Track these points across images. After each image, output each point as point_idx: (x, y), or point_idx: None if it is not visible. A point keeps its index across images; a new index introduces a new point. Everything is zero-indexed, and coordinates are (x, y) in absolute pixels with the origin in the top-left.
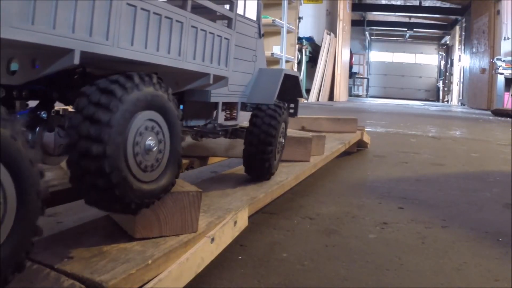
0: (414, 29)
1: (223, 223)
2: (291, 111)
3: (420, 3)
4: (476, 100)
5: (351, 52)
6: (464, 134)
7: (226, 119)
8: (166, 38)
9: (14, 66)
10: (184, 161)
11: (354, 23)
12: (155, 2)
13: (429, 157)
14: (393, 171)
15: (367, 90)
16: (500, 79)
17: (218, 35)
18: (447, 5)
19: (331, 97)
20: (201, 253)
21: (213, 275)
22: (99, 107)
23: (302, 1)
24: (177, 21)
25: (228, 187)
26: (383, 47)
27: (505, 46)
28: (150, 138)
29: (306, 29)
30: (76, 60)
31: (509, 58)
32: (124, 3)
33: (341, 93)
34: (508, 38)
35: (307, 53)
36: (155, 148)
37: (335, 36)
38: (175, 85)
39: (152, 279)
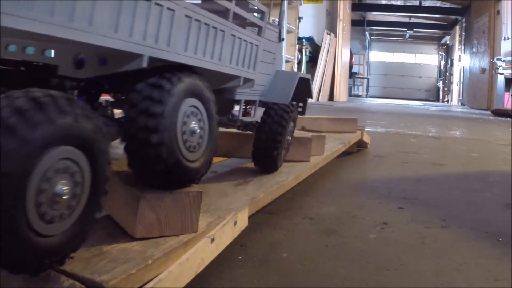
0: (414, 29)
1: (223, 223)
2: (299, 109)
3: (420, 3)
4: (476, 100)
5: (351, 52)
6: (464, 134)
7: (243, 114)
8: (211, 44)
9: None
10: None
11: (354, 23)
12: (206, 13)
13: (429, 157)
14: (393, 171)
15: (367, 90)
16: (500, 79)
17: (250, 42)
18: (447, 5)
19: (331, 97)
20: (201, 253)
21: (213, 275)
22: (152, 101)
23: (302, 1)
24: (221, 30)
25: (228, 187)
26: (383, 47)
27: (505, 46)
28: (193, 122)
29: (306, 29)
30: (145, 64)
31: (509, 58)
32: (183, 14)
33: (341, 93)
34: (508, 38)
35: (307, 53)
36: (198, 130)
37: (335, 36)
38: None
39: (152, 279)
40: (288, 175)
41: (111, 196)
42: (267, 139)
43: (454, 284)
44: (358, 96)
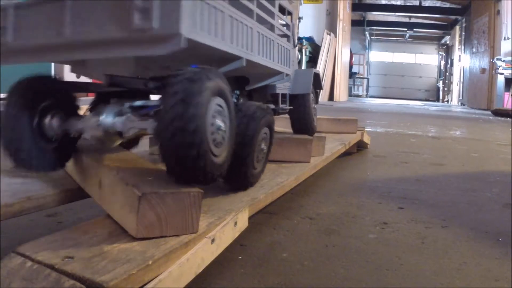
0: (414, 29)
1: (224, 224)
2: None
3: (420, 3)
4: (476, 100)
5: (351, 52)
6: (464, 134)
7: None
8: (268, 50)
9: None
10: None
11: (354, 23)
12: (267, 31)
13: (429, 157)
14: (393, 171)
15: (367, 90)
16: (500, 79)
17: (285, 47)
18: (447, 5)
19: (331, 97)
20: (202, 253)
21: (213, 275)
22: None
23: (302, 1)
24: (272, 40)
25: (228, 188)
26: (383, 47)
27: (505, 46)
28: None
29: (306, 29)
30: (244, 63)
31: (509, 58)
32: (260, 34)
33: (341, 93)
34: (508, 38)
35: (307, 53)
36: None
37: (335, 36)
38: (260, 79)
39: (153, 279)
40: (289, 176)
41: (111, 196)
42: (300, 118)
43: (454, 284)
44: (358, 96)
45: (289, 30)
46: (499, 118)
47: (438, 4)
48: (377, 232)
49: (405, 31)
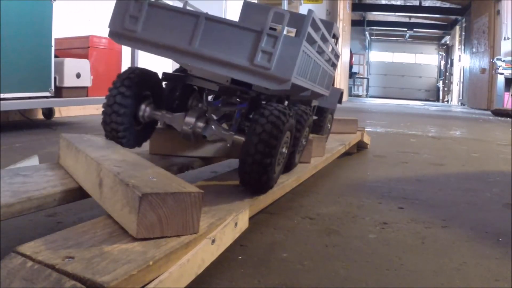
0: (414, 29)
1: (224, 225)
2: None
3: (420, 3)
4: (476, 100)
5: (351, 52)
6: (464, 134)
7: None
8: (324, 79)
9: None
10: (184, 161)
11: (354, 23)
12: (327, 66)
13: (429, 157)
14: (393, 171)
15: (367, 90)
16: (500, 79)
17: (331, 74)
18: (447, 5)
19: None
20: (202, 254)
21: (213, 275)
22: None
23: (302, 1)
24: (323, 69)
25: (229, 188)
26: (383, 47)
27: (505, 46)
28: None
29: None
30: (310, 93)
31: (509, 58)
32: (321, 66)
33: None
34: (508, 38)
35: None
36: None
37: None
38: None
39: (153, 280)
40: (289, 176)
41: (112, 196)
42: (319, 125)
43: (454, 284)
44: (358, 96)
45: (337, 59)
46: (499, 118)
47: (438, 4)
48: (377, 232)
49: (405, 31)
